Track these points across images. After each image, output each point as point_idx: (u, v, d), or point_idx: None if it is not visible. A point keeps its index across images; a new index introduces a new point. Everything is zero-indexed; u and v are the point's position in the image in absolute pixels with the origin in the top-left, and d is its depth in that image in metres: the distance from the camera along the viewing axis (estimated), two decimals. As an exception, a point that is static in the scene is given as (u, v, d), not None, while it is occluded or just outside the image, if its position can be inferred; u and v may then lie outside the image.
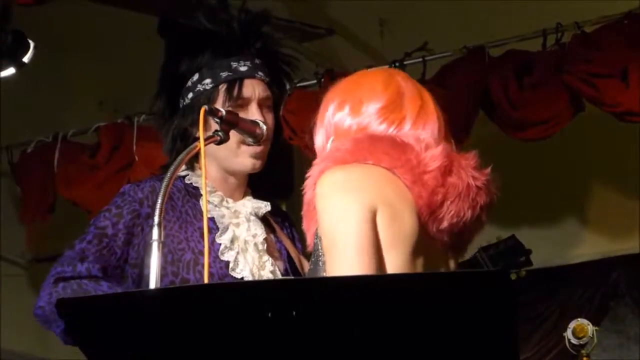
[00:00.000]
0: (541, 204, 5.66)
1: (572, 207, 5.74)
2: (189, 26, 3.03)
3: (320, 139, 2.40)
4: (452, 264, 2.34)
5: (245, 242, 2.75)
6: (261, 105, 2.78)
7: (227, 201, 2.82)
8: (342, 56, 5.64)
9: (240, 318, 1.76)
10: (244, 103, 2.77)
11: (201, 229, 2.60)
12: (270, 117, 2.80)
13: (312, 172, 2.28)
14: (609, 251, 5.54)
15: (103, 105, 5.90)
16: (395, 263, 2.16)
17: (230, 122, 2.59)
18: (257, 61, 2.84)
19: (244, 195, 2.86)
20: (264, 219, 2.90)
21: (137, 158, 5.25)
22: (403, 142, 2.26)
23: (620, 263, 5.48)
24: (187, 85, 2.85)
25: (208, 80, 2.80)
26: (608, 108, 4.65)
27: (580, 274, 5.59)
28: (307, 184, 2.27)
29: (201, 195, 2.75)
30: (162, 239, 2.26)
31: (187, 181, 2.84)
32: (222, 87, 2.77)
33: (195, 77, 2.83)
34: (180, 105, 2.85)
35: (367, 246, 2.12)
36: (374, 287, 1.81)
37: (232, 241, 2.74)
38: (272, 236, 2.88)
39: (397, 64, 4.99)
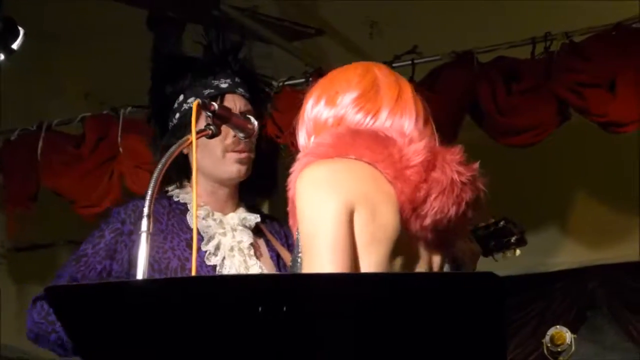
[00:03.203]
0: (522, 211, 5.63)
1: (553, 216, 5.76)
2: (171, 53, 3.25)
3: (303, 137, 2.39)
4: (436, 261, 2.31)
5: (231, 247, 2.83)
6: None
7: (213, 214, 2.91)
8: (331, 56, 5.64)
9: (230, 312, 1.76)
10: None
11: (187, 240, 2.75)
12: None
13: (294, 168, 2.27)
14: (588, 260, 5.57)
15: (89, 97, 5.88)
16: (372, 262, 2.15)
17: (222, 116, 2.60)
18: (237, 79, 2.99)
19: (236, 208, 2.93)
20: (257, 229, 2.97)
21: (121, 150, 5.24)
22: (386, 136, 2.25)
23: (598, 273, 5.51)
24: (173, 107, 3.00)
25: (192, 99, 2.92)
26: (594, 118, 4.67)
27: (559, 282, 5.61)
28: (290, 180, 2.26)
29: (188, 210, 2.87)
30: (151, 230, 2.27)
31: (174, 199, 2.95)
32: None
33: (180, 98, 2.95)
34: (169, 127, 3.01)
35: (343, 246, 2.12)
36: (365, 284, 1.81)
37: (217, 247, 2.82)
38: (262, 243, 2.93)
39: (385, 66, 4.99)
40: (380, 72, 2.39)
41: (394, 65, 5.01)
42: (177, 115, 2.99)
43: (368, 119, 2.30)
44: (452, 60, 4.99)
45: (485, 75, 4.86)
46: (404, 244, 2.21)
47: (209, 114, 2.56)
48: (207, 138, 2.59)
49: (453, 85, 4.88)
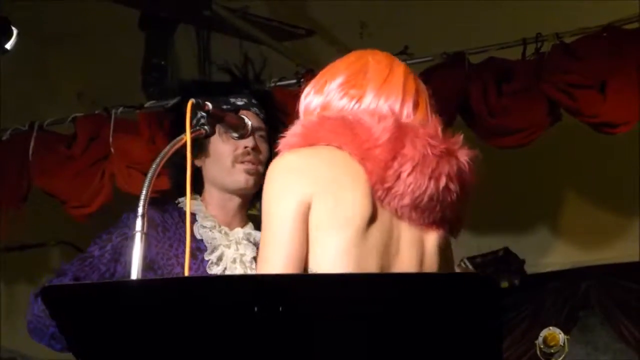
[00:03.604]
0: (513, 212, 5.68)
1: (544, 216, 5.77)
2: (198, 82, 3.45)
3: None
4: (431, 239, 2.31)
5: (234, 259, 2.89)
6: (254, 134, 2.96)
7: (220, 227, 2.98)
8: (322, 57, 5.64)
9: (226, 312, 1.76)
10: None
11: (192, 249, 2.82)
12: (263, 146, 3.00)
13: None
14: (580, 261, 5.57)
15: (82, 97, 5.87)
16: (333, 246, 2.18)
17: (217, 116, 2.61)
18: (253, 100, 3.05)
19: (243, 224, 2.99)
20: None
21: (113, 150, 5.23)
22: (355, 118, 2.25)
23: (590, 273, 5.51)
24: (191, 123, 3.02)
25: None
26: (585, 118, 4.68)
27: (551, 283, 5.61)
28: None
29: (197, 221, 2.96)
30: (145, 230, 2.28)
31: (182, 207, 3.00)
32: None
33: (198, 114, 2.93)
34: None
35: (290, 238, 2.17)
36: (361, 284, 1.81)
37: (219, 258, 2.89)
38: None
39: (377, 67, 4.99)
40: (373, 58, 2.39)
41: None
42: (194, 129, 3.03)
43: (353, 103, 2.31)
44: (444, 61, 4.99)
45: (477, 76, 4.87)
46: (382, 224, 2.21)
47: (203, 113, 2.57)
48: (202, 138, 2.60)
49: (444, 86, 4.87)
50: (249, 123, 2.78)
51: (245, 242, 2.96)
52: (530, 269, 5.66)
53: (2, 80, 5.35)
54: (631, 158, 5.20)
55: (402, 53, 5.12)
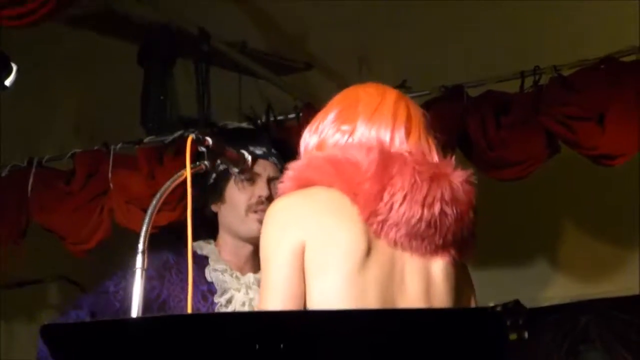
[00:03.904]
0: (511, 244, 5.67)
1: (543, 249, 5.75)
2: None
3: None
4: (437, 267, 2.29)
5: (243, 302, 2.92)
6: (269, 182, 3.09)
7: (232, 271, 2.99)
8: (320, 90, 5.65)
9: (227, 349, 1.75)
10: (254, 178, 3.09)
11: (203, 291, 2.85)
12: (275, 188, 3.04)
13: None
14: (580, 294, 5.55)
15: (79, 133, 5.87)
16: (327, 285, 2.18)
17: (217, 152, 2.62)
18: (272, 150, 3.17)
19: (255, 270, 3.03)
20: None
21: (112, 186, 5.22)
22: (342, 155, 2.27)
23: (590, 307, 5.49)
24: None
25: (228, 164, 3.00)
26: (584, 151, 4.68)
27: (550, 316, 5.59)
28: None
29: (208, 264, 3.06)
30: (145, 266, 2.28)
31: (196, 250, 3.12)
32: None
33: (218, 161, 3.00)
34: (206, 186, 3.18)
35: (291, 280, 2.20)
36: (361, 320, 1.81)
37: (229, 301, 2.92)
38: None
39: (375, 101, 5.00)
40: (364, 90, 2.41)
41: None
42: (214, 175, 3.14)
43: (345, 137, 2.32)
44: (442, 94, 5.00)
45: (475, 109, 4.87)
46: (381, 256, 2.21)
47: (203, 149, 2.58)
48: (200, 174, 2.61)
49: (443, 120, 4.87)
50: (249, 158, 2.79)
51: (255, 287, 3.02)
52: (529, 302, 5.63)
53: (1, 116, 5.35)
54: (630, 190, 5.19)
55: (401, 87, 5.12)
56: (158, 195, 2.38)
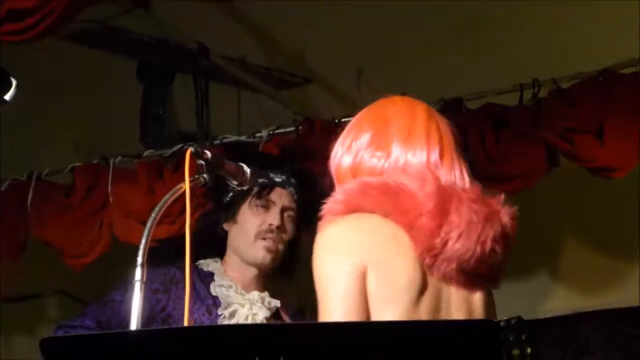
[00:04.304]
0: (512, 256, 5.66)
1: (543, 261, 5.75)
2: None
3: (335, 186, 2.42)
4: (477, 299, 2.31)
5: (246, 317, 2.95)
6: (283, 212, 3.15)
7: (236, 287, 3.03)
8: (319, 104, 5.66)
9: (227, 361, 1.75)
10: (269, 205, 3.15)
11: (208, 305, 2.89)
12: (289, 226, 3.17)
13: (319, 225, 2.30)
14: (580, 306, 5.54)
15: (78, 148, 5.87)
16: (392, 317, 2.14)
17: (216, 165, 2.62)
18: (292, 179, 3.22)
19: (261, 290, 3.06)
20: (277, 315, 3.16)
21: (111, 200, 5.22)
22: (397, 186, 2.23)
23: (591, 318, 5.47)
24: (229, 186, 3.07)
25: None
26: (583, 163, 4.68)
27: (550, 328, 5.57)
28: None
29: (214, 280, 3.11)
30: (144, 279, 2.28)
31: (202, 268, 3.18)
32: (256, 189, 3.11)
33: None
34: (222, 202, 3.25)
35: (354, 309, 2.12)
36: (363, 333, 1.80)
37: (232, 315, 2.96)
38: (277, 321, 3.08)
39: (374, 114, 5.00)
40: (394, 109, 2.39)
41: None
42: (230, 194, 3.20)
43: (382, 162, 2.30)
44: (441, 107, 5.00)
45: (474, 122, 4.87)
46: (432, 289, 2.20)
47: (202, 162, 2.58)
48: (201, 186, 2.61)
49: (442, 133, 4.88)
50: (248, 171, 2.79)
51: (259, 304, 3.04)
52: (529, 314, 5.63)
53: (1, 130, 5.35)
54: (630, 202, 5.20)
55: (399, 100, 5.13)
56: (157, 208, 2.38)
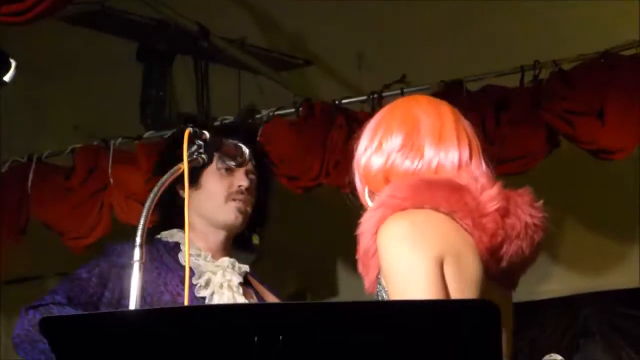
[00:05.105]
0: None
1: (543, 243, 5.74)
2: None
3: (358, 184, 2.43)
4: (508, 298, 2.37)
5: (220, 284, 2.96)
6: (247, 174, 3.17)
7: (206, 255, 3.09)
8: (320, 86, 5.66)
9: (225, 342, 1.75)
10: (234, 168, 3.12)
11: (180, 276, 2.92)
12: (254, 188, 3.18)
13: (368, 219, 2.27)
14: (580, 288, 5.56)
15: (79, 130, 5.87)
16: None
17: (214, 145, 2.62)
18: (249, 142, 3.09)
19: (230, 255, 3.07)
20: (246, 281, 3.16)
21: (112, 181, 5.22)
22: (460, 185, 2.26)
23: (590, 300, 5.49)
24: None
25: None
26: (584, 145, 4.68)
27: (550, 310, 5.59)
28: (364, 230, 2.26)
29: (180, 250, 3.07)
30: (143, 259, 2.29)
31: (165, 240, 3.15)
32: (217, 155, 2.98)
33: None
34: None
35: (441, 297, 2.13)
36: (360, 313, 1.80)
37: (207, 283, 2.94)
38: (251, 291, 3.09)
39: (375, 96, 5.00)
40: (421, 110, 2.39)
41: (383, 95, 5.02)
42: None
43: (415, 163, 2.32)
44: (441, 89, 4.99)
45: (474, 104, 4.86)
46: (487, 287, 2.24)
47: (201, 142, 2.58)
48: (198, 166, 2.61)
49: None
50: (247, 151, 2.80)
51: (230, 270, 3.05)
52: (529, 296, 5.64)
53: (1, 112, 5.35)
54: (630, 184, 5.20)
55: (400, 82, 5.13)
56: (156, 189, 2.38)
